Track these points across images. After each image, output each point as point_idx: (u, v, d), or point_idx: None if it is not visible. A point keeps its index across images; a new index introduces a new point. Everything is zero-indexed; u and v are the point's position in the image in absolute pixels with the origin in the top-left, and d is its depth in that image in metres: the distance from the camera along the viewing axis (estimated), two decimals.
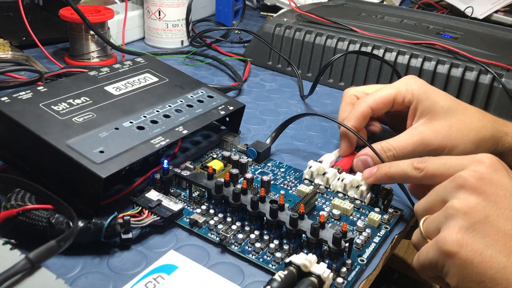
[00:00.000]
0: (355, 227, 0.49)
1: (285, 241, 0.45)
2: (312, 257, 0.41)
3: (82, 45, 0.81)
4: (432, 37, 0.82)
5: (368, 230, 0.48)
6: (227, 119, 0.65)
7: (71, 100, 0.53)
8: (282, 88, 0.82)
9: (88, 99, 0.55)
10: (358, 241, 0.46)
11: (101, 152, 0.47)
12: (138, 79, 0.61)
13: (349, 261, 0.44)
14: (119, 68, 0.62)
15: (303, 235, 0.45)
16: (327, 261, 0.43)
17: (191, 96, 0.61)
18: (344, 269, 0.43)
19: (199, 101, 0.60)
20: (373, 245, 0.47)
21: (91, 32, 0.79)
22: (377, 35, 0.82)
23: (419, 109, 0.57)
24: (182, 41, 0.95)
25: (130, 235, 0.44)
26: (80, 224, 0.43)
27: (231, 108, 0.61)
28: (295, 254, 0.43)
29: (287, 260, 0.41)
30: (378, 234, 0.49)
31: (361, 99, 0.58)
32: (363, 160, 0.55)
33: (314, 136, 0.67)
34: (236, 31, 1.05)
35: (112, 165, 0.46)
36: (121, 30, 0.90)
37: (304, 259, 0.41)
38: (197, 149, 0.61)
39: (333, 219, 0.50)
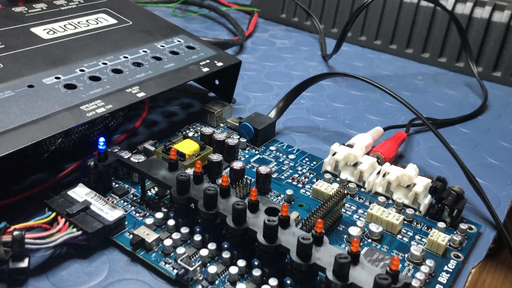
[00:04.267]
0: (406, 255, 0.30)
1: (288, 282, 0.26)
2: None
3: None
4: None
5: (429, 263, 0.29)
6: (217, 82, 0.45)
7: None
8: (298, 46, 0.62)
9: None
10: (415, 283, 0.27)
11: None
12: (87, 21, 0.42)
13: None
14: (63, 5, 0.44)
15: (320, 273, 0.26)
16: None
17: (162, 46, 0.42)
18: None
19: (173, 52, 0.41)
20: None
21: None
22: None
23: None
24: None
25: (24, 263, 0.26)
26: None
27: (219, 64, 0.41)
28: None
29: None
30: (446, 267, 0.29)
31: None
32: None
33: (340, 109, 0.47)
34: None
35: (4, 144, 0.28)
36: None
37: None
38: (169, 124, 0.42)
39: (370, 240, 0.31)
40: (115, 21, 0.43)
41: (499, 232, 0.33)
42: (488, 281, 0.75)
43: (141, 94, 0.35)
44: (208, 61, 0.41)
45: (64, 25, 0.41)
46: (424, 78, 0.56)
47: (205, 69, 0.40)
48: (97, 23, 0.42)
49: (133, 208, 0.31)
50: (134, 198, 0.32)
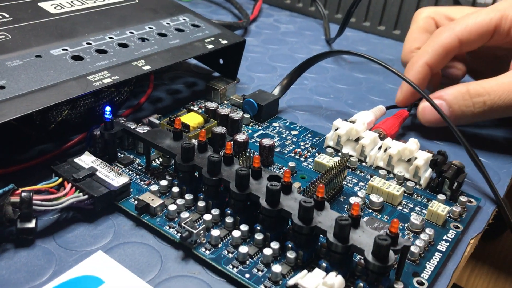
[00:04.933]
0: (406, 225, 0.30)
1: (290, 245, 0.26)
2: (336, 280, 0.23)
3: None
4: None
5: (429, 231, 0.29)
6: (221, 61, 0.46)
7: None
8: (302, 31, 0.62)
9: (6, 16, 0.36)
10: (414, 249, 0.28)
11: (1, 88, 0.29)
12: None
13: (399, 285, 0.25)
14: None
15: (321, 237, 0.27)
16: (361, 285, 0.24)
17: (167, 23, 0.42)
18: None
19: (178, 30, 0.41)
20: (437, 256, 0.28)
21: None
22: None
23: None
24: None
25: (32, 224, 0.26)
26: None
27: (224, 42, 0.42)
28: (305, 270, 0.25)
29: (291, 281, 0.23)
30: (445, 237, 0.30)
31: (446, 27, 0.39)
32: (423, 111, 0.37)
33: (343, 90, 0.48)
34: None
35: (11, 109, 0.28)
36: None
37: (322, 282, 0.23)
38: (174, 101, 0.43)
39: (370, 210, 0.31)
40: None
41: (498, 207, 0.34)
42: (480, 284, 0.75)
43: (146, 67, 0.35)
44: (213, 38, 0.42)
45: (71, 1, 0.41)
46: None
47: (210, 46, 0.40)
48: (104, 0, 0.43)
49: (138, 176, 0.32)
50: (139, 167, 0.33)
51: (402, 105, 0.41)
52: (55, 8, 0.39)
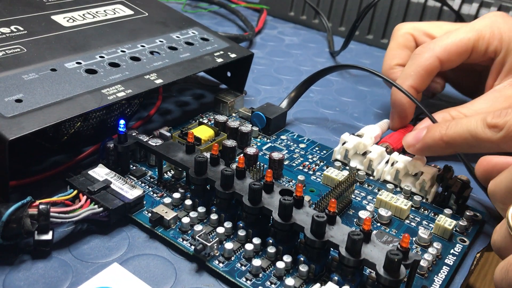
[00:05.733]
0: (414, 238, 0.31)
1: (302, 259, 0.27)
2: None
3: None
4: None
5: (436, 245, 0.30)
6: (229, 74, 0.47)
7: None
8: (306, 43, 0.63)
9: (21, 29, 0.37)
10: (423, 263, 0.28)
11: (18, 101, 0.30)
12: (105, 10, 0.43)
13: None
14: None
15: (332, 251, 0.27)
16: None
17: (177, 37, 0.43)
18: None
19: (188, 43, 0.42)
20: (445, 270, 0.29)
21: None
22: None
23: (509, 62, 0.38)
24: None
25: (49, 236, 0.27)
26: None
27: (233, 55, 0.42)
28: (318, 284, 0.25)
29: None
30: (452, 251, 0.30)
31: (425, 47, 0.40)
32: (417, 133, 0.37)
33: (348, 103, 0.49)
34: None
35: (30, 122, 0.29)
36: None
37: None
38: (183, 113, 0.44)
39: (379, 224, 0.32)
40: (132, 12, 0.45)
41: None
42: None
43: (158, 81, 0.36)
44: (221, 52, 0.42)
45: (83, 14, 0.42)
46: None
47: (219, 60, 0.41)
48: (114, 13, 0.43)
49: (150, 189, 0.32)
50: (151, 180, 0.33)
51: (397, 127, 0.41)
52: (67, 21, 0.40)
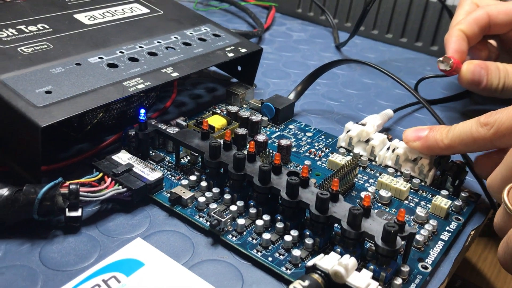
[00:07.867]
0: (412, 217, 0.33)
1: (307, 233, 0.30)
2: (350, 261, 0.26)
3: None
4: None
5: (433, 222, 0.32)
6: (239, 68, 0.49)
7: (22, 27, 0.39)
8: (313, 39, 0.65)
9: (47, 27, 0.40)
10: (419, 237, 0.31)
11: (48, 92, 0.33)
12: (123, 9, 0.46)
13: (406, 268, 0.28)
14: None
15: (336, 225, 0.30)
16: (371, 267, 0.28)
17: (191, 33, 0.46)
18: (398, 281, 0.27)
19: (201, 39, 0.45)
20: (440, 245, 0.31)
21: None
22: None
23: None
24: None
25: (78, 213, 0.30)
26: (3, 192, 0.29)
27: (243, 50, 0.45)
28: (322, 254, 0.28)
29: (309, 262, 0.26)
30: (448, 228, 0.33)
31: (482, 6, 0.46)
32: (473, 71, 0.41)
33: (353, 95, 0.51)
34: None
35: (59, 111, 0.32)
36: None
37: (337, 263, 0.26)
38: (196, 105, 0.46)
39: (379, 204, 0.34)
40: (148, 10, 0.47)
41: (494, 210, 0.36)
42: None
43: (175, 74, 0.39)
44: (232, 47, 0.45)
45: (103, 13, 0.45)
46: (433, 69, 0.60)
47: (230, 54, 0.44)
48: (132, 11, 0.46)
49: (169, 172, 0.35)
50: (169, 164, 0.36)
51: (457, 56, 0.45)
52: (88, 19, 0.43)
